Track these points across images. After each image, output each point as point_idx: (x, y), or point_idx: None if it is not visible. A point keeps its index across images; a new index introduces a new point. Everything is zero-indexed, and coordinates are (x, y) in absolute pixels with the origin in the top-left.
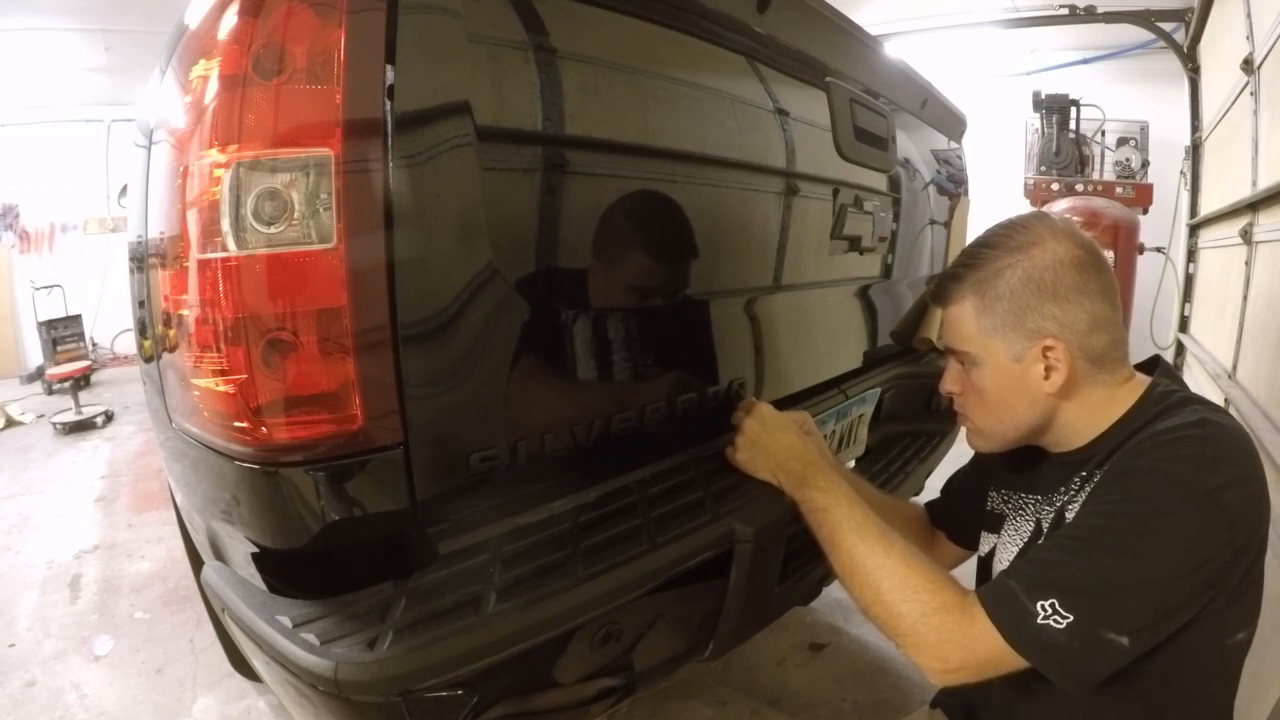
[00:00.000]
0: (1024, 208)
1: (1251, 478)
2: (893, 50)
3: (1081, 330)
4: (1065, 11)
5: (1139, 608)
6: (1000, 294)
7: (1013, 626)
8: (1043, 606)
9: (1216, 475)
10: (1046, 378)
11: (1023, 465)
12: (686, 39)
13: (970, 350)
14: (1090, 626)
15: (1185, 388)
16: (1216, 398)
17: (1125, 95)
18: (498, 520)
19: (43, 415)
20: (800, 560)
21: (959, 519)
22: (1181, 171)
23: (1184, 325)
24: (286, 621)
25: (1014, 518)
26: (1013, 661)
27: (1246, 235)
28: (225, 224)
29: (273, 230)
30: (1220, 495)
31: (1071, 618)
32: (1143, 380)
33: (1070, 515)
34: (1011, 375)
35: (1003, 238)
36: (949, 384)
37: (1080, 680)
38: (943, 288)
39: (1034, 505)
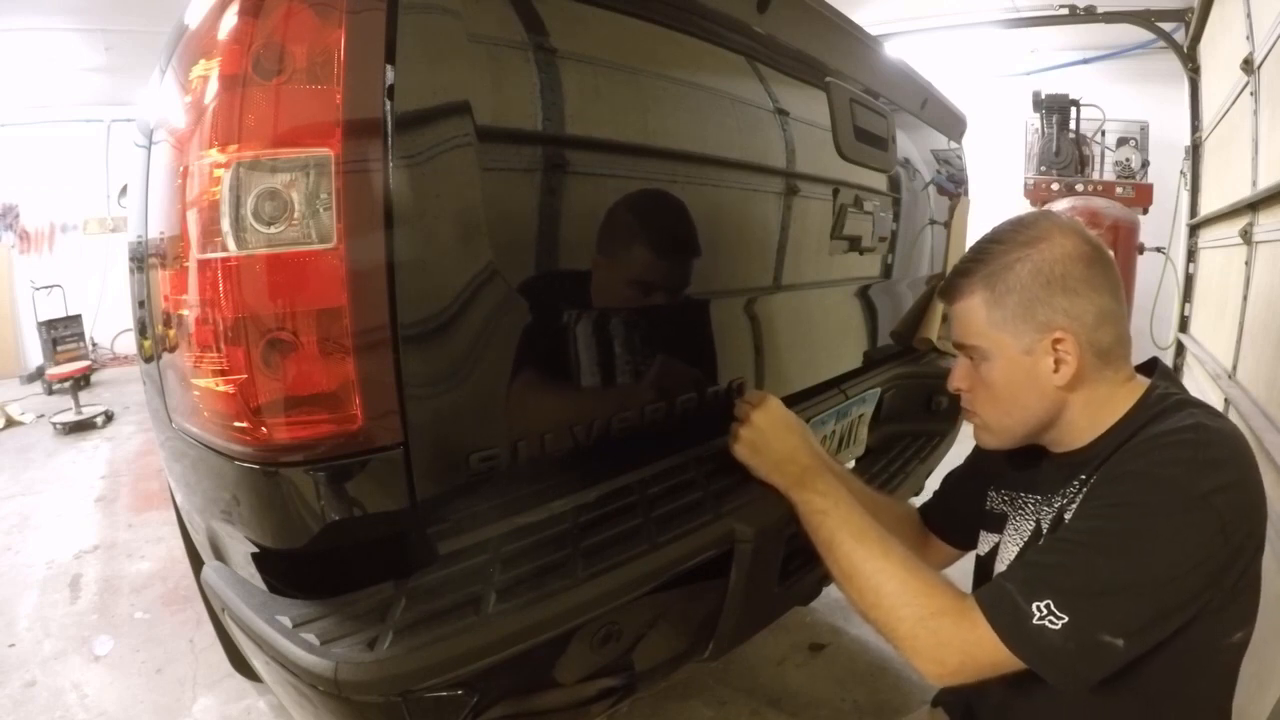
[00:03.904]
0: (1024, 208)
1: (1246, 481)
2: (893, 50)
3: (1090, 324)
4: (1065, 11)
5: (1134, 610)
6: (1010, 287)
7: (1009, 627)
8: (1038, 607)
9: (1210, 479)
10: (1056, 370)
11: (1024, 465)
12: (686, 39)
13: (981, 344)
14: (1086, 628)
15: (1183, 390)
16: (1216, 398)
17: (1125, 95)
18: (498, 520)
19: (43, 415)
20: (800, 560)
21: (956, 518)
22: (1181, 171)
23: (1184, 325)
24: (286, 621)
25: (1015, 517)
26: (1010, 663)
27: (1246, 235)
28: (225, 224)
29: (273, 230)
30: (1214, 499)
31: (1067, 618)
32: (1142, 382)
33: (1069, 518)
34: (1022, 368)
35: (1011, 233)
36: (958, 381)
37: (1075, 681)
38: (952, 284)
39: (1034, 505)
